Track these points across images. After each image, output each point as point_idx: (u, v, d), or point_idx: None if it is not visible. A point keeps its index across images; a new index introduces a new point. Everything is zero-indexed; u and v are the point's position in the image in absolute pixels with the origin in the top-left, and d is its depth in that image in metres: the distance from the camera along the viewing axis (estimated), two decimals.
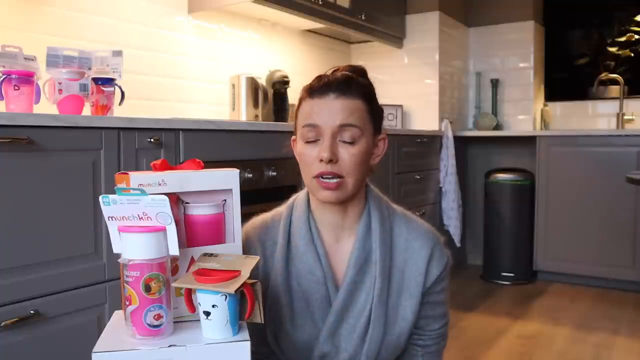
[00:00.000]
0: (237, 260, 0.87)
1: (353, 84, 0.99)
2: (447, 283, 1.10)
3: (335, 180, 0.96)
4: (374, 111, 1.02)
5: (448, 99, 3.69)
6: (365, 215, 1.04)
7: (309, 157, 0.98)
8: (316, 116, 0.97)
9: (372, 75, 1.08)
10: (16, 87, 1.46)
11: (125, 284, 0.81)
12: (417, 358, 1.11)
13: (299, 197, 1.09)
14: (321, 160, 0.96)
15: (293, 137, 1.06)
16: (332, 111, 0.97)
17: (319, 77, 1.02)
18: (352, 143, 0.97)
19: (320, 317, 1.03)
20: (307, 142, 0.99)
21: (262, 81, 2.70)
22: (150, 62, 2.36)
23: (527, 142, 3.60)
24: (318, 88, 0.99)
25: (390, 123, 3.52)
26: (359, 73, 1.04)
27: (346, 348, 1.02)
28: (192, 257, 0.91)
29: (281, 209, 1.11)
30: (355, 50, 3.77)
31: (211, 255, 0.88)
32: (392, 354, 1.06)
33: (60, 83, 1.58)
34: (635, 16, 3.80)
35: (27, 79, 1.48)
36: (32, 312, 1.31)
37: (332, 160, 0.96)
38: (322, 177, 0.97)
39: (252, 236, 1.07)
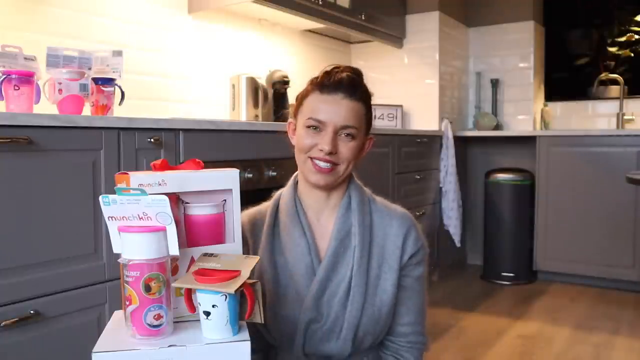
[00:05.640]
0: (237, 260, 0.87)
1: (359, 88, 1.10)
2: (424, 271, 1.18)
3: (329, 166, 1.08)
4: (369, 115, 1.14)
5: (448, 99, 3.68)
6: (345, 197, 1.15)
7: (308, 143, 1.08)
8: (323, 112, 1.07)
9: (372, 75, 1.13)
10: (16, 87, 1.46)
11: (125, 284, 0.81)
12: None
13: (284, 189, 1.19)
14: (321, 150, 1.06)
15: (291, 120, 1.16)
16: (339, 110, 1.07)
17: (328, 74, 1.10)
18: (350, 139, 1.08)
19: (303, 288, 1.10)
20: (309, 129, 1.08)
21: (262, 81, 2.70)
22: (150, 62, 2.36)
23: (527, 142, 3.60)
24: (329, 85, 1.08)
25: (390, 123, 3.52)
26: (361, 77, 1.14)
27: (328, 314, 1.09)
28: (192, 257, 0.91)
29: (268, 202, 1.21)
30: (355, 50, 3.77)
31: (211, 255, 0.88)
32: (373, 327, 1.11)
33: (60, 83, 1.58)
34: (635, 16, 3.80)
35: (27, 79, 1.48)
36: (32, 312, 1.30)
37: (332, 152, 1.07)
38: (318, 161, 1.07)
39: (243, 219, 1.13)
